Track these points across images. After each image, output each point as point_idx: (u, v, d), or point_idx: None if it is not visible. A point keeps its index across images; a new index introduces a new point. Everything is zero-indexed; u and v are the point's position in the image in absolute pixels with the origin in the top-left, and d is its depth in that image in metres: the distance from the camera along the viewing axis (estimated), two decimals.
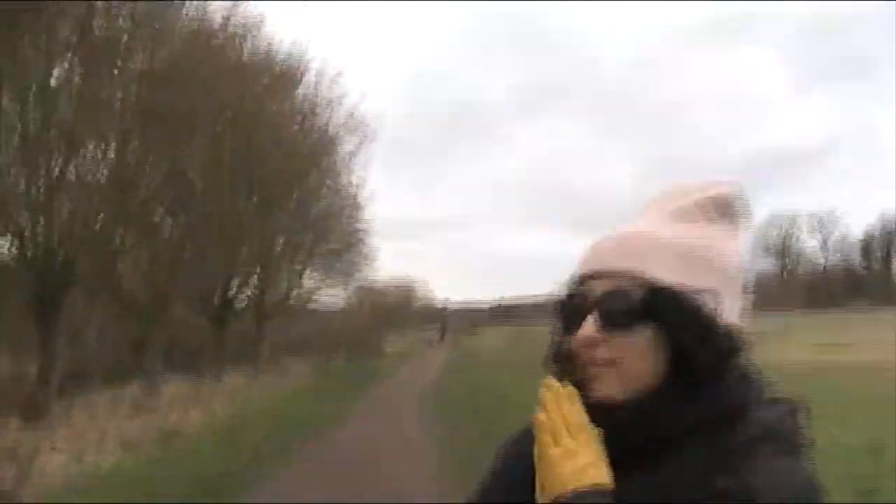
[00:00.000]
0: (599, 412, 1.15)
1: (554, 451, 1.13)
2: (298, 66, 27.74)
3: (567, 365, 1.21)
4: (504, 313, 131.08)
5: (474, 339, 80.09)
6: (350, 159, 31.66)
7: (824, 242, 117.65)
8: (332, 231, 33.95)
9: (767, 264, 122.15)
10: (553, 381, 1.19)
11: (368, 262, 38.07)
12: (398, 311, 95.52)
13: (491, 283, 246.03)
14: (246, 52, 24.18)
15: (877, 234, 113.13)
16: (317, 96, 29.01)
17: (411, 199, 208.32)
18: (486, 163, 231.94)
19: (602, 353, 1.16)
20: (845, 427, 10.27)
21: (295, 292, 34.39)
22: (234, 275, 27.27)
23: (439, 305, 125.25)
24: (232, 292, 28.34)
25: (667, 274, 1.15)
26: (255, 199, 26.59)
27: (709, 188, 1.26)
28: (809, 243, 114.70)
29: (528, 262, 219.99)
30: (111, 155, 18.20)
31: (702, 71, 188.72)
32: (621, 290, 1.16)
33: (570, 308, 1.21)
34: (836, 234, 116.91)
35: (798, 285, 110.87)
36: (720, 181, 1.27)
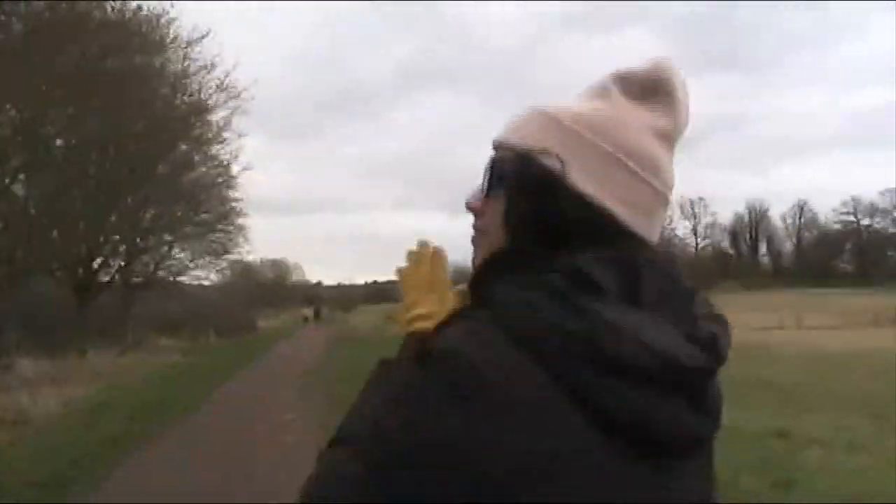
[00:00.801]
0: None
1: (401, 305, 1.33)
2: (167, 28, 25.93)
3: None
4: (378, 293, 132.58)
5: (350, 317, 79.39)
6: (223, 128, 29.98)
7: (695, 227, 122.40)
8: (205, 203, 32.53)
9: None
10: (423, 244, 1.35)
11: (242, 238, 36.75)
12: (273, 289, 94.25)
13: (366, 263, 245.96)
14: (111, 9, 22.34)
15: (745, 219, 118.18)
16: (188, 60, 27.25)
17: (290, 179, 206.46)
18: (367, 143, 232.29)
19: (477, 222, 1.15)
20: (745, 411, 10.20)
21: (165, 265, 32.83)
22: (99, 245, 25.46)
23: (314, 284, 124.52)
24: (96, 263, 26.58)
25: (528, 141, 1.08)
26: (122, 165, 24.76)
27: (633, 67, 1.14)
28: (681, 228, 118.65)
29: (405, 243, 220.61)
30: None
31: (586, 54, 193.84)
32: (490, 159, 1.14)
33: None
34: (706, 219, 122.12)
35: None
36: (655, 59, 1.13)
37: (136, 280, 31.43)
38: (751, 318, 32.36)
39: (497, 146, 1.13)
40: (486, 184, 1.12)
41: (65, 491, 8.08)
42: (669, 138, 1.09)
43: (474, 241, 1.14)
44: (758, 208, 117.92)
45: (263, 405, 14.80)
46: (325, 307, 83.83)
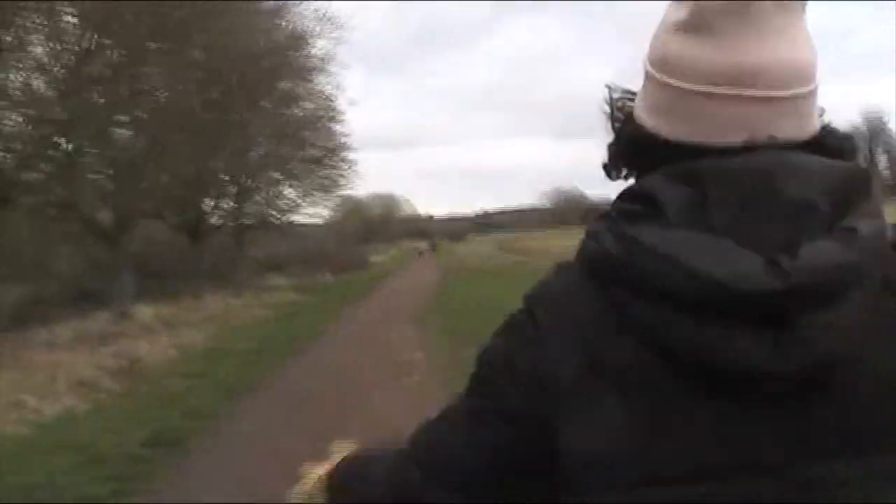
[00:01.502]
0: None
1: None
2: None
3: None
4: (488, 223, 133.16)
5: (461, 247, 79.13)
6: (325, 62, 29.22)
7: None
8: (311, 140, 31.96)
9: None
10: None
11: (350, 173, 36.12)
12: (383, 224, 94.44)
13: (474, 194, 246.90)
14: None
15: (861, 130, 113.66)
16: None
17: (392, 113, 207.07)
18: (467, 74, 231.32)
19: None
20: None
21: (276, 204, 32.53)
22: (209, 187, 25.11)
23: (425, 217, 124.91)
24: (207, 206, 26.32)
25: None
26: (226, 103, 24.22)
27: None
28: None
29: (511, 171, 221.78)
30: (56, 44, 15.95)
31: None
32: None
33: None
34: None
35: None
36: None
37: (247, 221, 31.17)
38: None
39: None
40: None
41: (176, 448, 7.48)
42: (689, 26, 0.97)
43: None
44: (875, 119, 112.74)
45: (382, 345, 13.93)
46: (440, 240, 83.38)
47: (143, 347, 13.65)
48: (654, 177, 0.95)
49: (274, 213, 32.99)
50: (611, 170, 1.09)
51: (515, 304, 1.03)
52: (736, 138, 0.93)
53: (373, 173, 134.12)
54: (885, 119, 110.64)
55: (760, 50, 0.93)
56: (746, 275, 0.84)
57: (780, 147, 0.92)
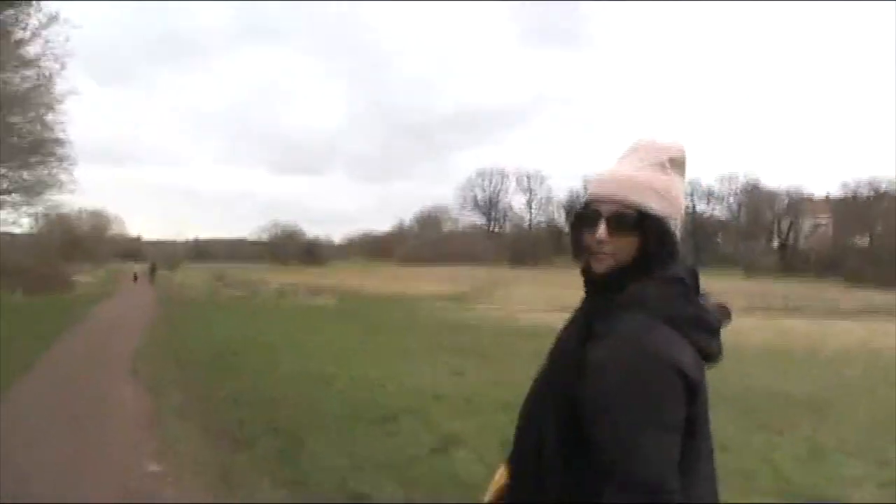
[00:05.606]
0: (594, 281, 1.95)
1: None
2: None
3: (580, 252, 1.97)
4: (201, 251, 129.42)
5: (176, 276, 72.96)
6: (45, 25, 23.29)
7: (530, 201, 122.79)
8: (17, 125, 25.69)
9: (476, 219, 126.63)
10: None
11: (62, 174, 29.86)
12: (91, 242, 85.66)
13: (188, 219, 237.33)
14: None
15: (579, 196, 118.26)
16: None
17: (109, 127, 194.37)
18: (191, 96, 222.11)
19: (607, 248, 1.89)
20: None
21: None
22: None
23: (136, 238, 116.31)
24: None
25: (651, 204, 1.89)
26: None
27: (670, 148, 1.98)
28: (516, 201, 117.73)
29: (226, 200, 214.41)
30: None
31: (425, 20, 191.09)
32: (623, 211, 1.88)
33: (585, 218, 1.94)
34: (542, 194, 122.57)
35: (505, 241, 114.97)
36: (676, 142, 2.00)
37: None
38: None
39: (610, 200, 1.91)
40: (617, 226, 1.89)
41: None
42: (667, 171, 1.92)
43: (599, 256, 1.91)
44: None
45: (98, 442, 7.92)
46: (159, 265, 75.82)
47: None
48: (678, 268, 1.91)
49: None
50: (651, 261, 1.94)
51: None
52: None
53: (86, 187, 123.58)
54: None
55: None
56: (717, 323, 1.92)
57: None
